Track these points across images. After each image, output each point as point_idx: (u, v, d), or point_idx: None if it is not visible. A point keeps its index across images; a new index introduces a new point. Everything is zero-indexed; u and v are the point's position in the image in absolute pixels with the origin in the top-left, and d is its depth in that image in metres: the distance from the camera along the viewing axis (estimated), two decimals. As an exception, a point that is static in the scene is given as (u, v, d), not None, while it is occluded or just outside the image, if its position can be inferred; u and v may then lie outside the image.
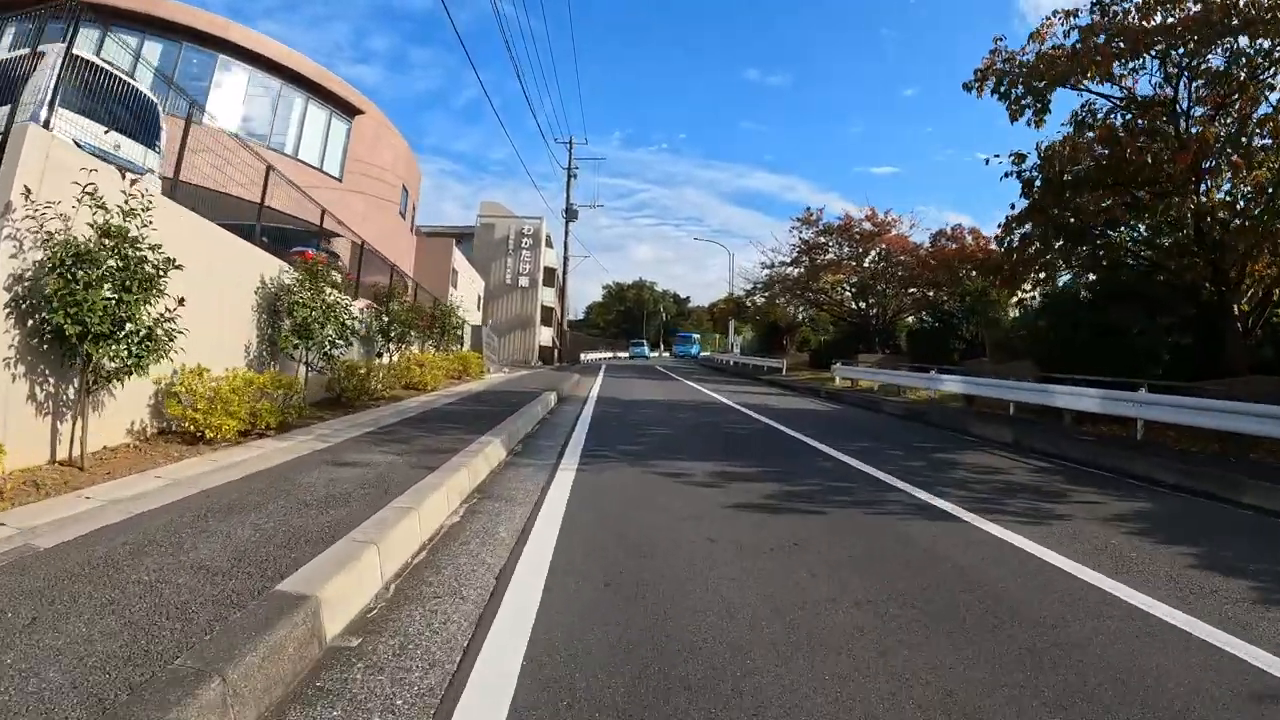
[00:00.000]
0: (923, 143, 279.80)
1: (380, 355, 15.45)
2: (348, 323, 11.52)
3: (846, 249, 41.34)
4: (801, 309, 48.74)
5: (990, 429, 14.72)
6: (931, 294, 37.60)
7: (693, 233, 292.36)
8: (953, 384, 20.41)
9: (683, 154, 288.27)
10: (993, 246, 34.70)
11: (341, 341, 11.44)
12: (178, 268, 6.86)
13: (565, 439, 10.84)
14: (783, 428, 13.83)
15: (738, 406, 18.10)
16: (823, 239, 41.87)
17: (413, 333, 16.09)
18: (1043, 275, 21.05)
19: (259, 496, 5.59)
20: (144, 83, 9.68)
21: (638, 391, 22.51)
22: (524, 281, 67.34)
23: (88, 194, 6.27)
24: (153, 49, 21.82)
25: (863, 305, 42.97)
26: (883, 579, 4.80)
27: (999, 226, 20.47)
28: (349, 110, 28.79)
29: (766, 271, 46.40)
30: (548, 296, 66.59)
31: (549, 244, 68.06)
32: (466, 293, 57.33)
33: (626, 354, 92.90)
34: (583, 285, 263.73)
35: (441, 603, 4.12)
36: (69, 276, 5.99)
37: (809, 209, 41.79)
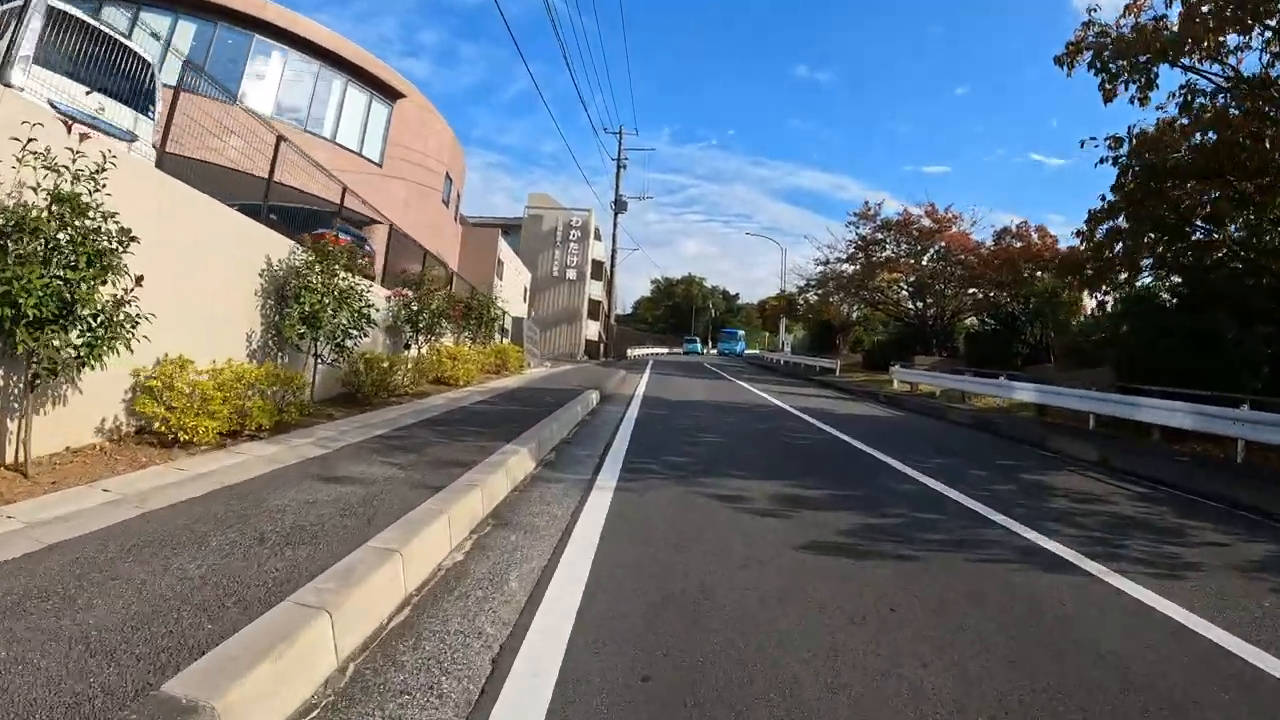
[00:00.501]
0: (973, 142, 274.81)
1: (408, 347, 14.34)
2: (364, 310, 10.35)
3: (904, 246, 39.64)
4: (856, 308, 47.01)
5: (1071, 444, 13.28)
6: (993, 295, 35.79)
7: (742, 229, 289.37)
8: (1025, 392, 18.87)
9: (732, 151, 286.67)
10: (1061, 245, 33.32)
11: (356, 331, 10.28)
12: (133, 239, 5.70)
13: (605, 447, 9.65)
14: (847, 438, 12.46)
15: (793, 410, 16.77)
16: (879, 235, 40.18)
17: (445, 323, 14.93)
18: (1124, 276, 19.33)
19: (209, 525, 4.45)
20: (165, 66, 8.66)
21: (686, 391, 21.25)
22: (571, 274, 66.40)
23: (33, 153, 5.16)
24: (186, 29, 21.11)
25: (919, 305, 41.20)
26: (1016, 671, 3.53)
27: (1084, 223, 18.87)
28: (390, 94, 27.93)
29: (821, 268, 44.84)
30: (595, 290, 65.59)
31: (597, 236, 67.13)
32: (512, 284, 56.45)
33: (680, 350, 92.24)
34: (631, 280, 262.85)
35: (408, 706, 2.90)
36: (-3, 249, 4.90)
37: (867, 203, 40.44)
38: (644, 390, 20.00)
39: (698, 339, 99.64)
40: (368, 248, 15.12)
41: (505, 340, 22.74)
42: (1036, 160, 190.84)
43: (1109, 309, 21.73)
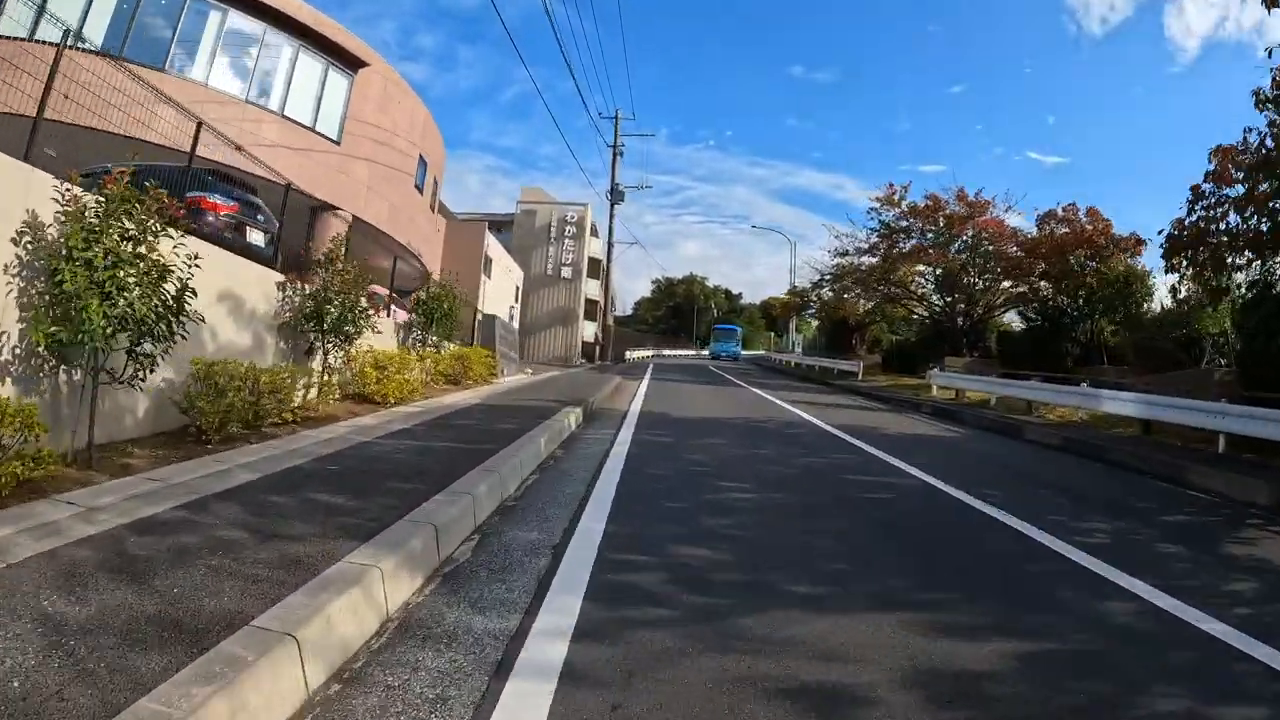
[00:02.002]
0: (971, 141, 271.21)
1: (310, 353, 10.38)
2: (171, 297, 6.27)
3: (930, 234, 35.66)
4: (876, 304, 42.92)
5: (1220, 478, 9.72)
6: (1040, 286, 31.89)
7: (741, 229, 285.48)
8: (1120, 404, 15.00)
9: (729, 151, 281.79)
10: (1116, 230, 29.49)
11: (167, 325, 6.21)
12: None
13: (570, 521, 5.73)
14: (933, 480, 8.49)
15: (835, 432, 12.84)
16: (905, 222, 36.19)
17: (363, 321, 10.80)
18: (1247, 258, 15.37)
19: None
20: None
21: (692, 403, 17.36)
22: (566, 272, 62.45)
23: None
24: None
25: (948, 300, 37.14)
26: None
27: (1188, 201, 15.06)
28: (350, 62, 24.15)
29: (837, 260, 40.74)
30: (592, 289, 61.61)
31: (594, 233, 63.14)
32: (503, 284, 52.42)
33: (688, 352, 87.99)
34: (631, 282, 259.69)
35: None
36: None
37: (891, 185, 36.13)
38: (641, 403, 16.11)
39: (732, 334, 76.97)
40: (260, 217, 11.23)
41: (476, 341, 18.83)
42: (1034, 158, 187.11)
43: (1238, 297, 17.51)
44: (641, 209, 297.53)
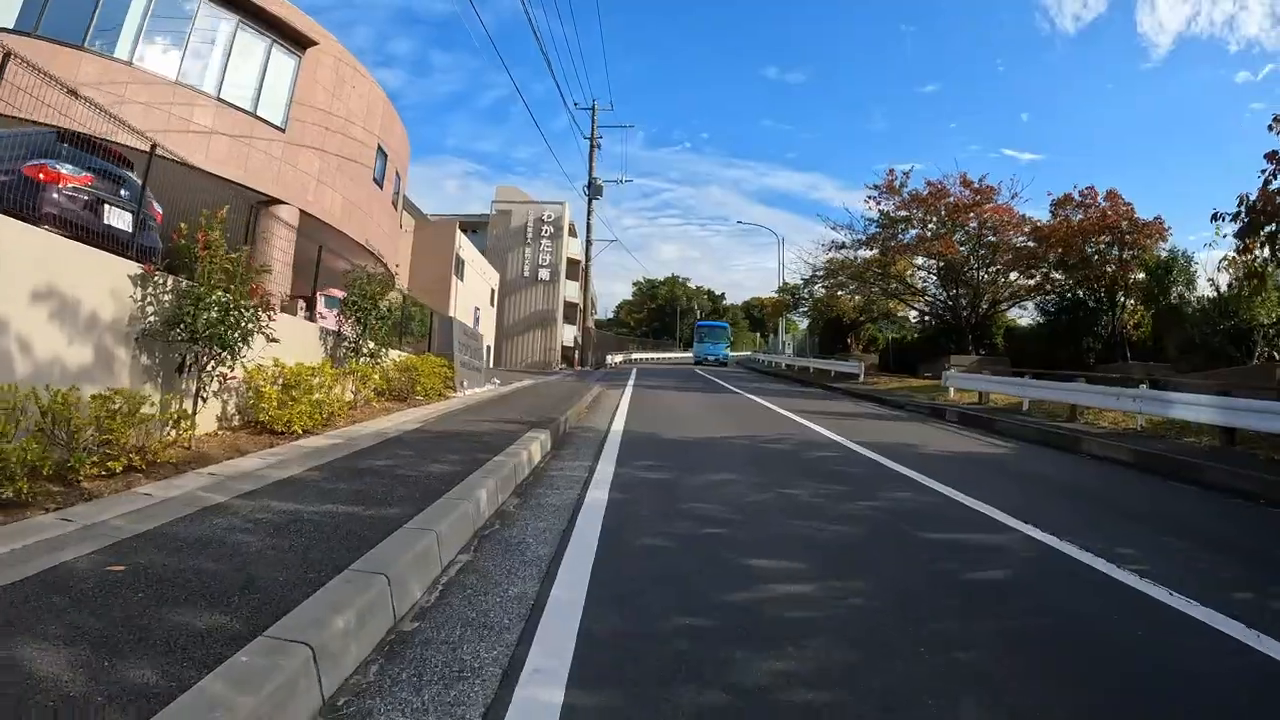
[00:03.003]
0: (947, 139, 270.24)
1: (182, 369, 7.67)
2: None
3: (932, 224, 33.20)
4: (875, 300, 40.36)
5: None
6: (1056, 278, 29.54)
7: (718, 231, 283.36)
8: (1197, 409, 12.55)
9: (705, 153, 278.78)
10: (1140, 215, 27.16)
11: None
12: None
13: (498, 685, 3.08)
14: (1065, 545, 5.85)
15: (874, 455, 10.18)
16: (906, 211, 33.64)
17: (256, 324, 8.08)
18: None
19: None
20: None
21: (686, 418, 14.76)
22: (544, 274, 59.85)
23: None
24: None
25: (951, 295, 34.66)
26: None
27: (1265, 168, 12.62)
28: (298, 41, 21.84)
29: (831, 255, 38.19)
30: (571, 291, 58.94)
31: (573, 233, 60.42)
32: (476, 286, 49.69)
33: (672, 355, 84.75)
34: (611, 285, 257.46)
35: None
36: None
37: (892, 171, 33.60)
38: (624, 419, 13.51)
39: (719, 333, 64.16)
40: (126, 193, 8.56)
41: (405, 353, 16.16)
42: (1009, 155, 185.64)
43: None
44: (620, 212, 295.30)
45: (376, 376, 11.85)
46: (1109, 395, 14.91)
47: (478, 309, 29.84)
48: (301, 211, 21.70)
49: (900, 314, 43.03)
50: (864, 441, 11.57)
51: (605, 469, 8.20)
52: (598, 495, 6.80)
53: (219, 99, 18.81)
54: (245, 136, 19.80)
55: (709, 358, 57.92)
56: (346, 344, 11.89)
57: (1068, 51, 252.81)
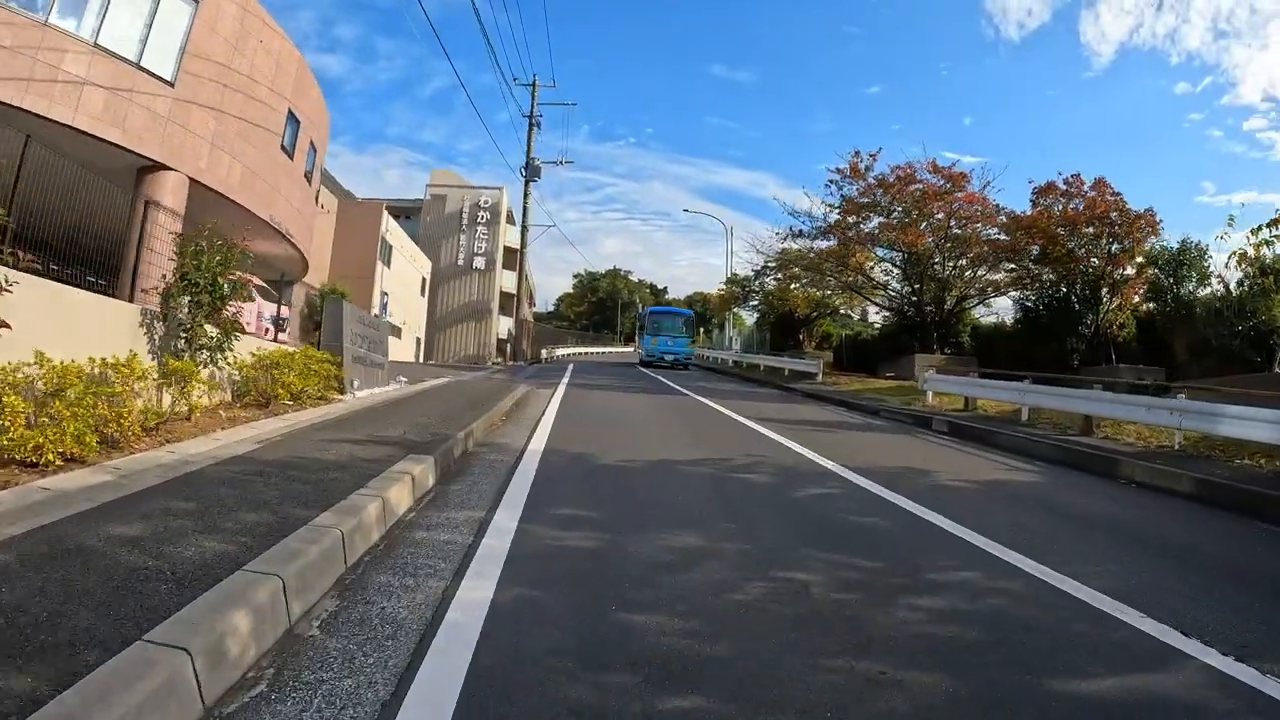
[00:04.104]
0: (889, 140, 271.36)
1: None
2: None
3: (899, 211, 30.68)
4: (832, 294, 37.77)
5: None
6: (1036, 271, 27.32)
7: (660, 226, 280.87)
8: (1252, 425, 10.21)
9: (650, 149, 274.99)
10: (1130, 205, 25.03)
11: None
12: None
13: None
14: (1243, 673, 3.26)
15: (881, 491, 7.42)
16: (869, 197, 31.04)
17: None
18: None
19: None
20: None
21: (628, 429, 11.95)
22: (479, 263, 56.61)
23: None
24: None
25: (915, 289, 32.21)
26: None
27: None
28: (194, -17, 18.58)
29: (785, 244, 35.50)
30: (509, 281, 55.63)
31: (510, 220, 57.09)
32: (405, 274, 46.11)
33: (612, 349, 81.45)
34: (551, 278, 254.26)
35: None
36: None
37: (857, 152, 31.01)
38: (549, 430, 10.62)
39: (679, 322, 42.80)
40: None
41: (281, 344, 12.93)
42: (951, 158, 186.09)
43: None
44: (562, 205, 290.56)
45: (205, 375, 8.76)
46: (1135, 405, 12.43)
47: (385, 294, 26.57)
48: (191, 180, 18.60)
49: (857, 309, 40.72)
50: (859, 467, 8.86)
51: (503, 524, 5.34)
52: (474, 594, 3.92)
53: (95, 45, 15.89)
54: (126, 90, 16.67)
55: (665, 358, 38.80)
56: (184, 331, 8.79)
57: (1012, 57, 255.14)
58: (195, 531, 4.15)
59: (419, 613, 3.67)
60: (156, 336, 8.56)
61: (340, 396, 11.75)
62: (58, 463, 5.68)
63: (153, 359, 8.33)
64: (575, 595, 4.04)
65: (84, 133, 15.75)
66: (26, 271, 6.61)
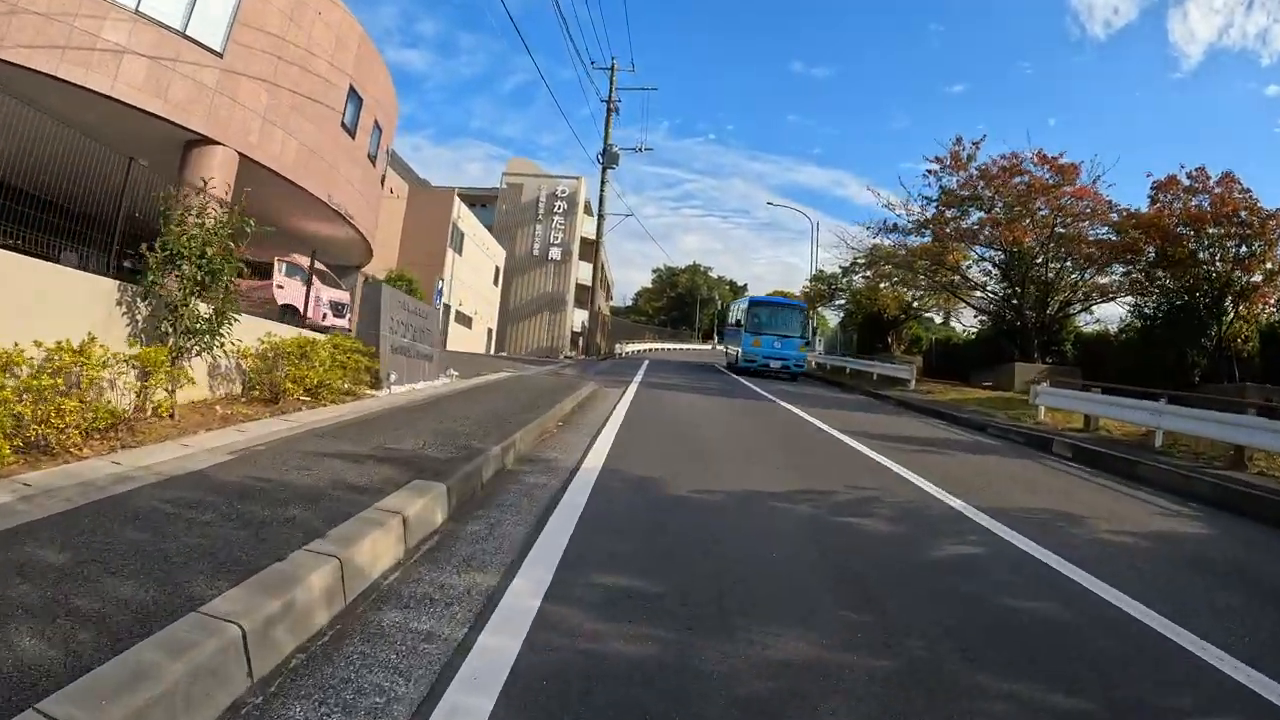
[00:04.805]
0: (973, 140, 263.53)
1: None
2: None
3: (999, 207, 28.16)
4: (927, 295, 35.36)
5: None
6: (1157, 275, 24.65)
7: (740, 224, 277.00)
8: None
9: (730, 145, 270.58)
10: (1262, 203, 22.31)
11: None
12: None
13: None
14: None
15: (1086, 580, 5.34)
16: (967, 190, 28.70)
17: None
18: None
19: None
20: None
21: (705, 447, 10.17)
22: (555, 254, 55.29)
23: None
24: None
25: (1015, 290, 29.59)
26: None
27: None
28: (247, -51, 17.71)
29: (876, 240, 33.13)
30: (584, 274, 54.29)
31: (588, 211, 55.57)
32: (478, 262, 44.91)
33: (690, 346, 79.26)
34: (631, 274, 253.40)
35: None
36: None
37: (958, 138, 28.63)
38: (610, 443, 8.89)
39: (791, 316, 31.06)
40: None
41: (348, 324, 11.42)
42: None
43: None
44: (643, 200, 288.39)
45: (193, 366, 7.29)
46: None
47: (440, 280, 25.23)
48: (241, 155, 17.57)
49: (949, 312, 38.17)
50: (994, 509, 6.97)
51: (520, 602, 3.67)
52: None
53: (137, 12, 15.07)
54: (169, 59, 15.72)
55: (769, 363, 28.91)
56: (171, 313, 7.32)
57: (1098, 57, 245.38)
58: (7, 621, 2.57)
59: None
60: (140, 318, 7.11)
61: (373, 392, 10.26)
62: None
63: (145, 344, 6.91)
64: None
65: (123, 103, 14.94)
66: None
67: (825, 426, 12.96)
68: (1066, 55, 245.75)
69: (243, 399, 8.54)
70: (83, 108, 14.39)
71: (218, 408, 7.84)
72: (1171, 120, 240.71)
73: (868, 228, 33.90)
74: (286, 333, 9.31)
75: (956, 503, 7.18)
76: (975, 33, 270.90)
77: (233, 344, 7.93)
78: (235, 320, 7.75)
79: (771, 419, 13.90)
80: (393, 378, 10.70)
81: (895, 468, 9.05)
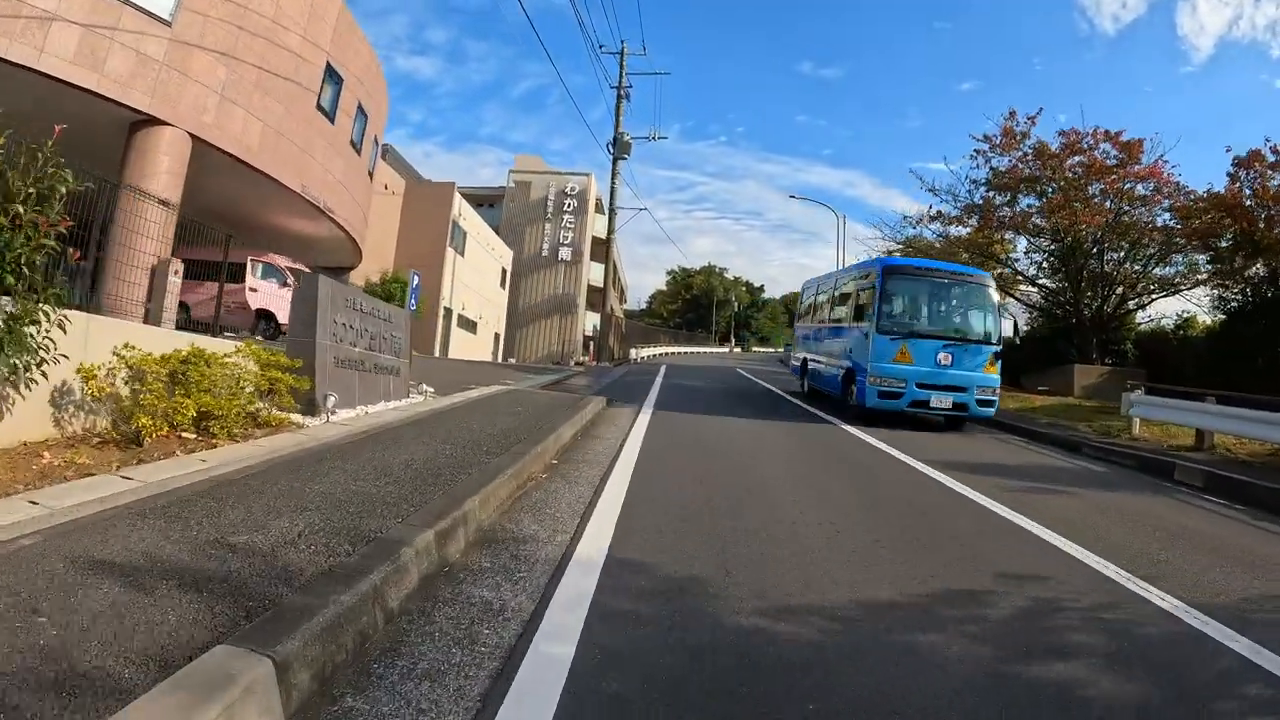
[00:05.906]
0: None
1: None
2: None
3: (1052, 189, 25.32)
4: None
5: None
6: (1237, 263, 21.82)
7: (753, 226, 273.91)
8: None
9: (741, 147, 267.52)
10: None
11: None
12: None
13: None
14: None
15: None
16: (1025, 166, 25.70)
17: None
18: None
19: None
20: None
21: (771, 511, 7.49)
22: (565, 254, 52.76)
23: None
24: None
25: (1072, 284, 26.77)
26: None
27: None
28: (198, -98, 15.51)
29: (916, 229, 30.20)
30: (596, 275, 51.76)
31: (599, 209, 52.95)
32: (482, 263, 42.18)
33: (707, 349, 75.92)
34: (645, 277, 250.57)
35: None
36: None
37: (1012, 111, 25.85)
38: (621, 504, 6.16)
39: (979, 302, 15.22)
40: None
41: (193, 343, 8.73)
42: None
43: None
44: (655, 203, 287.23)
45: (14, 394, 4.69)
46: None
47: (416, 275, 22.57)
48: (194, 137, 15.23)
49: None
50: (1210, 606, 4.34)
51: None
52: None
53: None
54: (106, 28, 13.57)
55: (931, 400, 13.84)
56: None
57: (1107, 52, 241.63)
58: None
59: None
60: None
61: (302, 420, 7.65)
62: None
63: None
64: None
65: (51, 76, 12.78)
66: None
67: (905, 458, 10.20)
68: (1077, 51, 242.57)
69: (95, 439, 5.96)
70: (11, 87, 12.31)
71: (45, 455, 5.27)
72: (1181, 113, 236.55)
73: (907, 218, 31.05)
74: (158, 343, 6.66)
75: (1164, 601, 4.51)
76: (984, 31, 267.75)
77: (60, 357, 5.25)
78: (60, 321, 5.11)
79: (839, 452, 11.18)
80: (331, 401, 8.05)
81: (1035, 528, 6.33)
